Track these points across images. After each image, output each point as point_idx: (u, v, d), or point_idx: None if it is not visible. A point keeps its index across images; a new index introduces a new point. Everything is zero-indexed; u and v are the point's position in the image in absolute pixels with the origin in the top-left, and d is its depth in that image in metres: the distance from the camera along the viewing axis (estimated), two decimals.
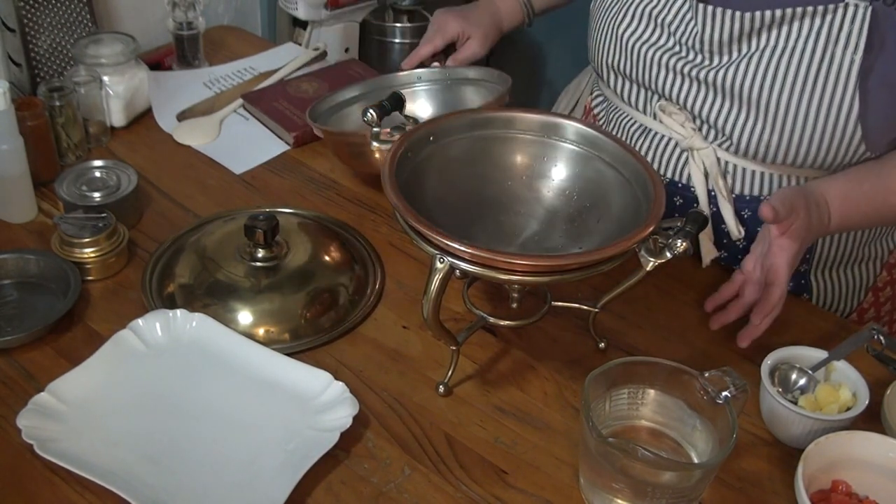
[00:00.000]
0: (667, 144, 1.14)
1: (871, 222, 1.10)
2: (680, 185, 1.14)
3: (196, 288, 1.06)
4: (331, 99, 1.27)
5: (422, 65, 1.32)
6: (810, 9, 0.99)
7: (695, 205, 1.12)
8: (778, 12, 1.00)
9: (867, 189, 1.03)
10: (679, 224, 0.85)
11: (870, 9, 0.96)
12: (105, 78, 1.30)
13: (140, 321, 0.98)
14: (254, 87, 1.45)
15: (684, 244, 0.80)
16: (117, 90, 1.31)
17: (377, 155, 0.95)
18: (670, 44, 1.10)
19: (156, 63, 1.48)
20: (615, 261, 0.86)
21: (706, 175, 1.11)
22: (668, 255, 0.81)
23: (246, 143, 1.34)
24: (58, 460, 0.84)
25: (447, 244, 0.82)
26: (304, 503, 0.86)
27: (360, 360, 1.00)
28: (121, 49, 1.31)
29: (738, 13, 1.02)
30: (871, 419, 0.92)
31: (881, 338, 0.93)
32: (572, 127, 0.99)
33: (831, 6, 0.98)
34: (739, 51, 1.04)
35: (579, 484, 0.89)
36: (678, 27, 1.08)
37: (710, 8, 1.04)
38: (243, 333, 1.00)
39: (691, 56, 1.08)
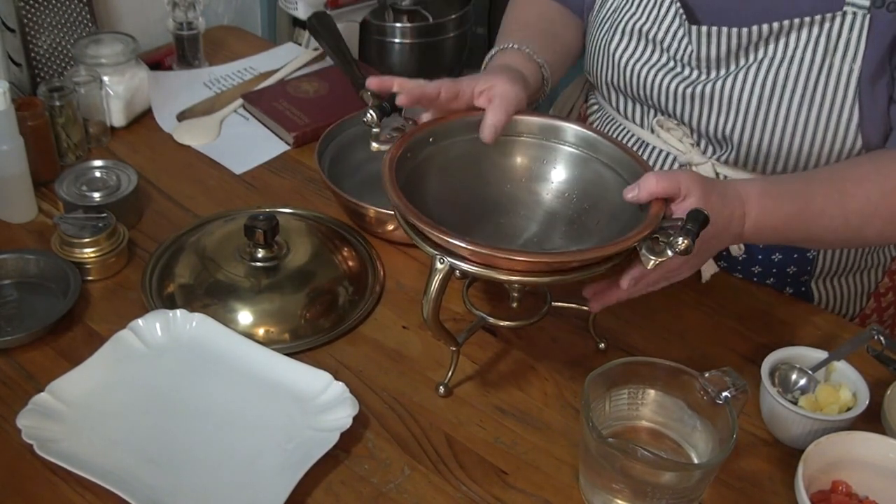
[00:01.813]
0: (665, 159, 1.13)
1: (797, 228, 0.95)
2: None
3: (196, 288, 1.06)
4: (347, 124, 1.26)
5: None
6: (807, 19, 0.97)
7: None
8: (775, 25, 0.98)
9: (793, 188, 0.96)
10: (680, 223, 0.85)
11: (868, 16, 0.95)
12: (105, 78, 1.30)
13: (140, 321, 0.98)
14: (254, 87, 1.45)
15: (686, 242, 0.80)
16: (117, 90, 1.31)
17: (375, 145, 0.94)
18: (664, 60, 1.08)
19: (156, 63, 1.48)
20: (616, 259, 0.86)
21: None
22: (670, 253, 0.81)
23: (246, 143, 1.34)
24: (58, 460, 0.84)
25: (448, 241, 0.82)
26: (304, 503, 0.86)
27: (360, 360, 1.00)
28: (121, 49, 1.31)
29: (733, 30, 1.00)
30: (871, 419, 0.92)
31: (881, 338, 0.93)
32: (571, 129, 0.99)
33: (829, 15, 0.96)
34: (737, 63, 1.03)
35: (579, 484, 0.89)
36: (671, 44, 1.07)
37: (703, 28, 1.02)
38: (243, 333, 1.00)
39: (686, 72, 1.06)
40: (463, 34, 1.80)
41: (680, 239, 0.79)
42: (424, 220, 0.84)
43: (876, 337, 0.93)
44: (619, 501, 0.83)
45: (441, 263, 0.84)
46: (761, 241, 0.98)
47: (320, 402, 0.93)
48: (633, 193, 0.87)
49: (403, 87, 0.93)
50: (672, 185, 0.86)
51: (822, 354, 0.95)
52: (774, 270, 1.14)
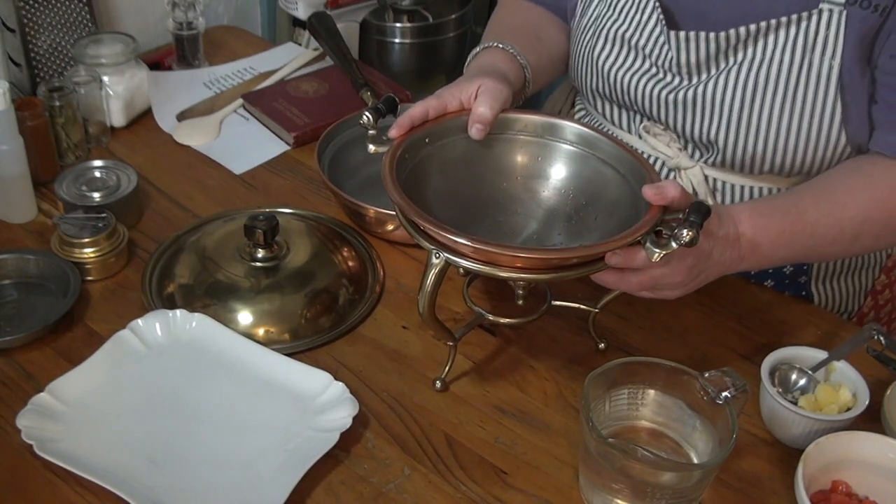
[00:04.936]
0: (653, 164, 1.13)
1: (794, 242, 0.95)
2: None
3: (196, 288, 1.06)
4: (345, 125, 1.26)
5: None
6: (784, 19, 0.97)
7: None
8: (752, 27, 0.99)
9: (782, 204, 0.96)
10: (682, 215, 0.85)
11: (844, 13, 0.95)
12: (105, 78, 1.30)
13: (140, 321, 0.98)
14: (254, 87, 1.45)
15: (690, 233, 0.79)
16: (117, 90, 1.31)
17: (372, 148, 0.94)
18: (647, 66, 1.08)
19: (156, 63, 1.48)
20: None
21: (695, 193, 1.10)
22: (675, 244, 0.80)
23: (246, 143, 1.34)
24: (57, 460, 0.84)
25: (451, 238, 0.82)
26: (304, 503, 0.86)
27: (359, 361, 1.00)
28: (121, 49, 1.31)
29: (711, 34, 1.01)
30: (871, 419, 0.92)
31: (881, 338, 0.93)
32: (569, 127, 0.99)
33: (805, 14, 0.97)
34: (717, 67, 1.03)
35: (579, 484, 0.89)
36: (652, 50, 1.07)
37: (682, 33, 1.03)
38: (243, 333, 1.00)
39: (669, 78, 1.07)
40: (463, 34, 1.80)
41: (685, 231, 0.79)
42: (427, 217, 0.84)
43: (875, 337, 0.93)
44: (619, 501, 0.83)
45: (437, 258, 0.84)
46: (761, 262, 0.95)
47: (320, 402, 0.93)
48: (654, 192, 0.85)
49: (397, 124, 0.94)
50: (687, 199, 0.86)
51: (821, 354, 0.95)
52: (770, 271, 1.14)
